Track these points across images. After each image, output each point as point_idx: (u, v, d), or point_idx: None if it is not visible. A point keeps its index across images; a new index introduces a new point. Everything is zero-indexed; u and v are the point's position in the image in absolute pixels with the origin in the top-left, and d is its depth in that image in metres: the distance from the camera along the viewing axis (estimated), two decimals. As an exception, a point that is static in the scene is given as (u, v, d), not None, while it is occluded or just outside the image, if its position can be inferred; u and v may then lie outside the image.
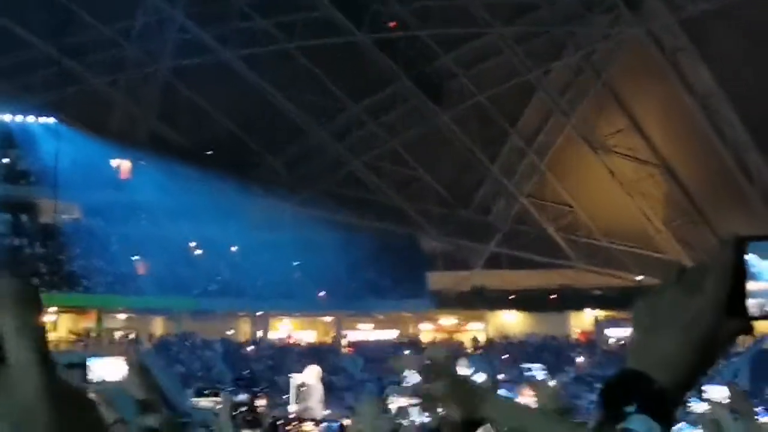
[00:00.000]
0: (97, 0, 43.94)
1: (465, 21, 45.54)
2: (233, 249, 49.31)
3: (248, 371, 37.42)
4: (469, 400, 1.90)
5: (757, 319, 1.29)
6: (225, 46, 46.83)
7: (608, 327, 48.84)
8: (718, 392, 13.73)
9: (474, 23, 45.93)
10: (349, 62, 46.85)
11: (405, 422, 8.03)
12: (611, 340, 47.87)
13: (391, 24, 47.25)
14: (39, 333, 0.97)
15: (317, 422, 13.37)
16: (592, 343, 48.63)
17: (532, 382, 18.04)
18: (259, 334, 49.69)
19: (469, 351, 44.66)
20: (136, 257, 46.39)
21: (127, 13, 46.14)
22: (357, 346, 48.07)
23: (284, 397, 18.26)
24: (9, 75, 46.75)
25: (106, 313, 47.33)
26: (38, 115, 47.57)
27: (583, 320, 52.18)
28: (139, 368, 2.62)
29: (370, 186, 52.57)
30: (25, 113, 47.69)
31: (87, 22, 46.45)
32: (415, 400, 12.42)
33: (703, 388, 15.09)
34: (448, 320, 53.70)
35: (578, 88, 49.15)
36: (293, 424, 13.08)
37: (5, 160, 48.58)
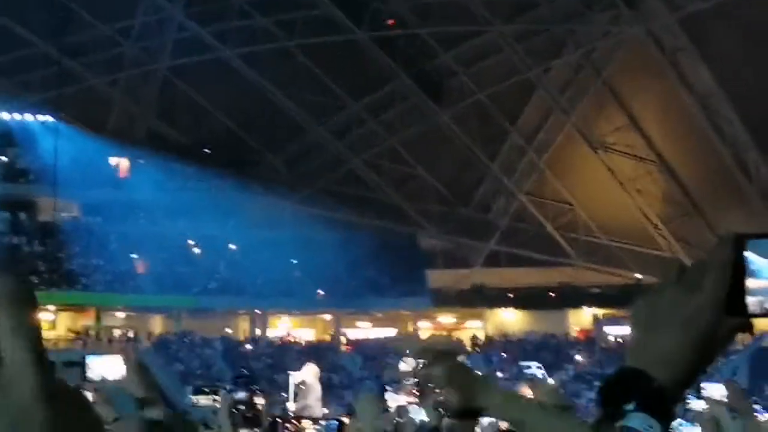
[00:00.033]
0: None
1: (465, 19, 45.52)
2: (232, 247, 49.30)
3: (247, 369, 37.40)
4: (469, 387, 1.89)
5: (756, 316, 1.29)
6: (224, 44, 46.82)
7: (607, 325, 48.84)
8: (716, 390, 13.67)
9: (474, 21, 45.91)
10: (349, 60, 46.83)
11: (404, 420, 8.03)
12: (610, 338, 47.84)
13: (391, 22, 47.24)
14: (34, 333, 0.96)
15: (316, 420, 13.39)
16: (591, 341, 48.57)
17: (530, 381, 18.06)
18: (258, 332, 49.68)
19: (467, 350, 44.64)
20: (135, 255, 46.42)
21: (127, 12, 46.13)
22: (356, 345, 48.09)
23: (283, 395, 18.28)
24: (8, 73, 46.81)
25: (105, 311, 47.40)
26: (37, 113, 47.64)
27: (582, 318, 52.16)
28: (138, 366, 2.61)
29: (370, 184, 52.57)
30: (25, 111, 47.77)
31: (86, 21, 46.50)
32: (413, 399, 12.41)
33: (701, 385, 15.06)
34: (446, 318, 53.71)
35: (578, 86, 49.12)
36: (292, 422, 13.09)
37: (4, 159, 48.63)
